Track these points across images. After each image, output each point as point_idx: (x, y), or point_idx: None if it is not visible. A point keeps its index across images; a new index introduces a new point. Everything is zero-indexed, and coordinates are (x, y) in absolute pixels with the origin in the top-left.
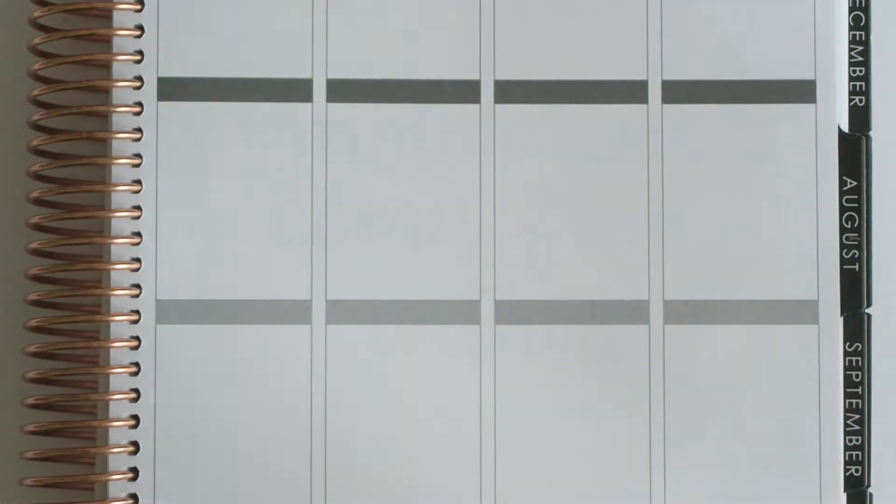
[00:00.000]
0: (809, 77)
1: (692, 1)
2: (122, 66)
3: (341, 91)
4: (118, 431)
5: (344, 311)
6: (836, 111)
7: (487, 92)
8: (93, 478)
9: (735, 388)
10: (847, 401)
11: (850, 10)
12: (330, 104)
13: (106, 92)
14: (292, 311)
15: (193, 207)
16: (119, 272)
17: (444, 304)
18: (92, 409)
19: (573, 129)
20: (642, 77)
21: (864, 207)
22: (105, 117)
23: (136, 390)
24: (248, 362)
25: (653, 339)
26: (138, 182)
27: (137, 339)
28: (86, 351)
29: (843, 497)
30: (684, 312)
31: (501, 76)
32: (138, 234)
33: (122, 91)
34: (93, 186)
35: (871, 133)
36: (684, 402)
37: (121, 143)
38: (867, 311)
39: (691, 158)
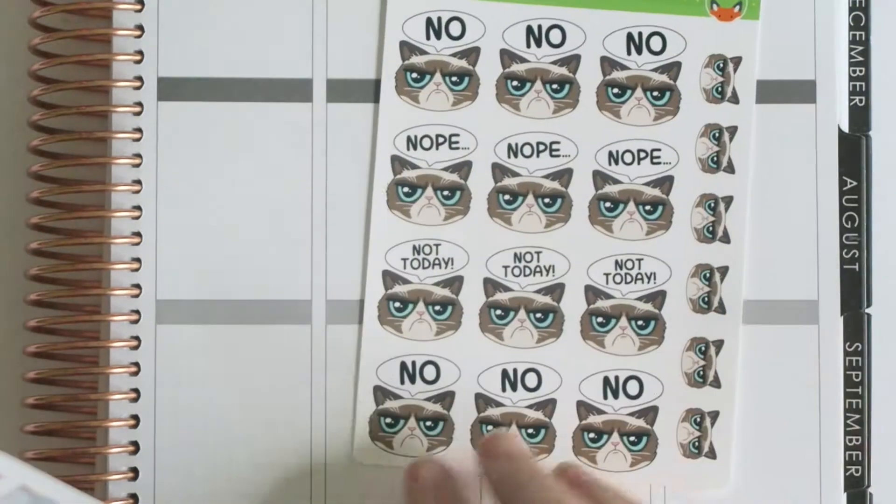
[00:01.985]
0: (809, 77)
1: None
2: (121, 65)
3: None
4: (118, 431)
5: (344, 311)
6: (836, 111)
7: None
8: (93, 477)
9: (734, 387)
10: (847, 401)
11: (850, 10)
12: (330, 104)
13: (106, 92)
14: (292, 311)
15: (193, 207)
16: (119, 272)
17: None
18: (92, 409)
19: None
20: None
21: (864, 207)
22: (105, 117)
23: (136, 390)
24: (247, 362)
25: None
26: (138, 182)
27: (137, 338)
28: (86, 351)
29: (843, 497)
30: None
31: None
32: (138, 235)
33: (121, 91)
34: (93, 186)
35: (871, 133)
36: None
37: (121, 142)
38: (867, 311)
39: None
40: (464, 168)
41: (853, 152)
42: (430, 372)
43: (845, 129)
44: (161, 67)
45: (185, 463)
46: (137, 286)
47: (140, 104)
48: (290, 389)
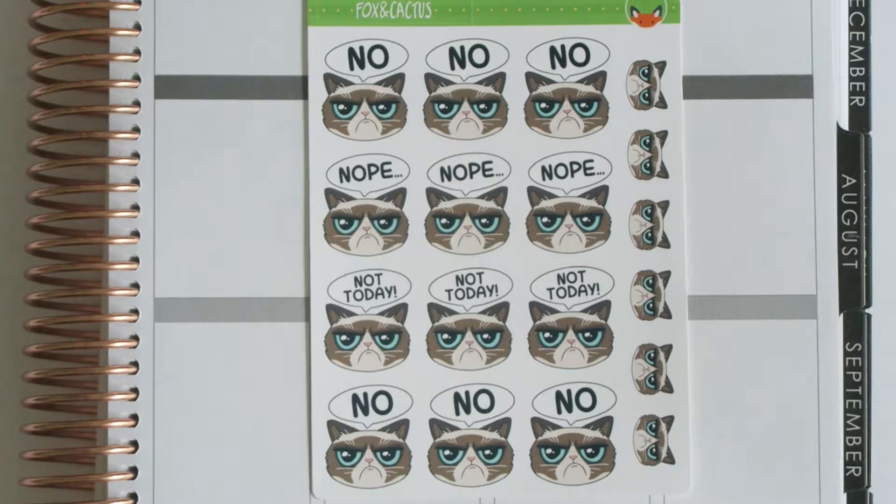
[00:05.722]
0: (806, 72)
1: None
2: (119, 64)
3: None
4: (118, 431)
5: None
6: (834, 106)
7: None
8: (93, 478)
9: (734, 384)
10: (847, 401)
11: (850, 10)
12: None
13: (105, 91)
14: (290, 309)
15: (191, 205)
16: (117, 271)
17: None
18: (92, 409)
19: None
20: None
21: (864, 205)
22: (104, 117)
23: (135, 389)
24: (246, 359)
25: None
26: (136, 182)
27: (136, 337)
28: (86, 351)
29: (843, 497)
30: None
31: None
32: (136, 234)
33: (119, 90)
34: (92, 186)
35: (871, 133)
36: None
37: (118, 141)
38: (867, 311)
39: (688, 154)
40: (398, 195)
41: (852, 150)
42: (382, 402)
43: (845, 128)
44: (158, 65)
45: (184, 461)
46: (136, 285)
47: (138, 102)
48: (288, 386)
